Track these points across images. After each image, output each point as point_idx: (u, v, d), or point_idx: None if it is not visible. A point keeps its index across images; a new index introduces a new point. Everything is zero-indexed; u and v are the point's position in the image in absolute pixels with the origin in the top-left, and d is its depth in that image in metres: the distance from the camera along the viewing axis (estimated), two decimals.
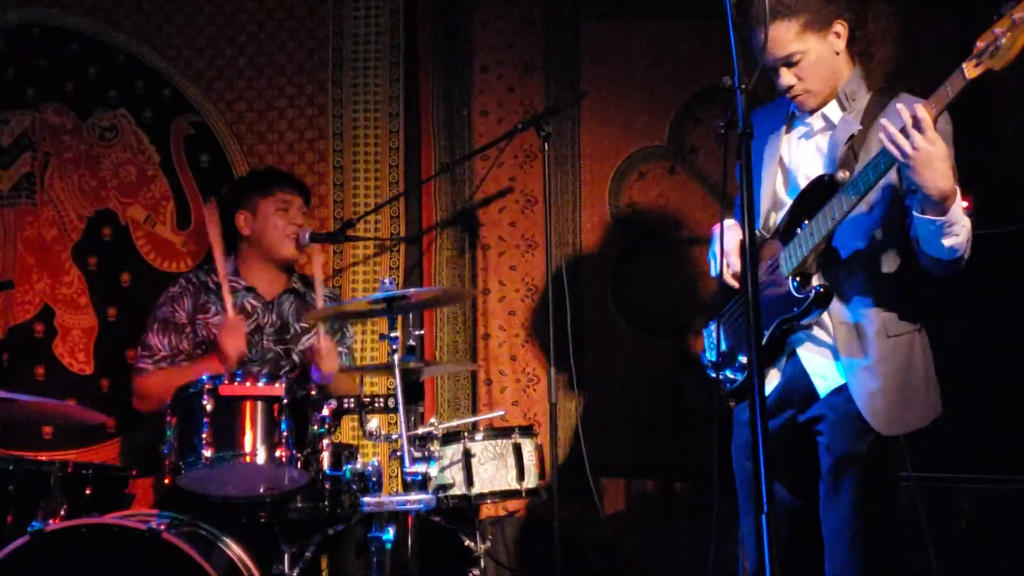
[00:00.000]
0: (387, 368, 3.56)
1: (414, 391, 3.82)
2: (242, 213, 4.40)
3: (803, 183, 3.21)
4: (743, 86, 2.66)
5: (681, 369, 4.83)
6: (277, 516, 3.73)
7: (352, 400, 3.77)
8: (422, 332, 4.15)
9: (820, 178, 3.15)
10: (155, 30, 5.04)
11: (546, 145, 4.52)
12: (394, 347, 3.50)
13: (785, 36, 3.13)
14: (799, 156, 3.28)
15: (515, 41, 5.04)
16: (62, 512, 3.69)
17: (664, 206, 4.94)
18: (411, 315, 3.87)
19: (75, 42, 5.02)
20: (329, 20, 5.06)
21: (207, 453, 3.51)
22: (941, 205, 2.91)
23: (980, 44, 2.81)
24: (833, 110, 3.22)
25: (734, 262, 3.23)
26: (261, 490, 3.67)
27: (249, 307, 4.36)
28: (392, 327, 3.52)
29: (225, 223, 4.40)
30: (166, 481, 3.64)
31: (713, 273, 3.38)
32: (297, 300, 4.42)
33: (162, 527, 3.47)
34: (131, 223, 4.99)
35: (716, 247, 3.32)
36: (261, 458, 3.53)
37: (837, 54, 3.19)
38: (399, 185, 4.99)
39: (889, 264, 3.15)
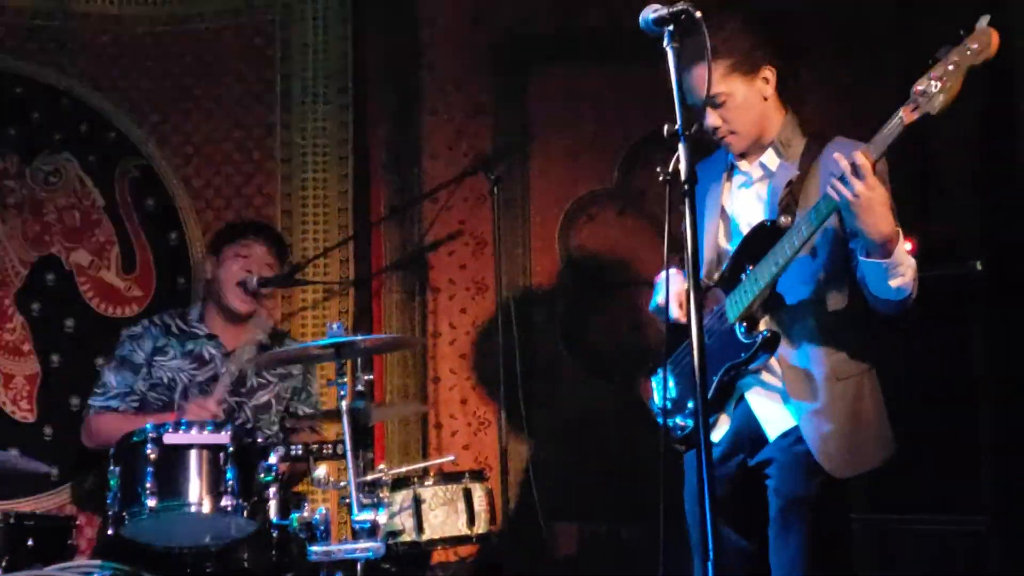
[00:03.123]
0: (336, 414, 3.54)
1: (363, 436, 3.80)
2: (209, 258, 4.43)
3: (745, 231, 3.23)
4: (686, 133, 2.67)
5: (632, 412, 4.82)
6: (223, 566, 3.68)
7: (300, 447, 3.74)
8: (371, 377, 4.13)
9: (763, 224, 3.17)
10: (100, 73, 4.99)
11: (495, 188, 4.53)
12: (342, 392, 3.48)
13: (711, 77, 3.15)
14: (739, 205, 3.31)
15: (463, 84, 5.05)
16: (4, 563, 3.63)
17: (613, 249, 4.95)
18: (360, 359, 3.85)
19: (18, 86, 4.95)
20: (277, 62, 5.05)
21: (151, 503, 3.48)
22: (884, 247, 2.94)
23: (917, 89, 2.85)
24: (771, 158, 3.25)
25: (676, 309, 3.24)
26: (207, 540, 3.63)
27: (207, 355, 4.33)
28: (340, 372, 3.51)
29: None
30: (109, 531, 3.60)
31: (659, 316, 3.36)
32: (259, 352, 4.36)
33: None
34: (75, 268, 4.92)
35: (660, 297, 3.31)
36: (207, 507, 3.51)
37: (765, 99, 3.22)
38: (348, 228, 4.98)
39: (835, 307, 3.17)
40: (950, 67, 2.81)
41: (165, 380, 4.27)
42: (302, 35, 5.05)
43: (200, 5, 5.07)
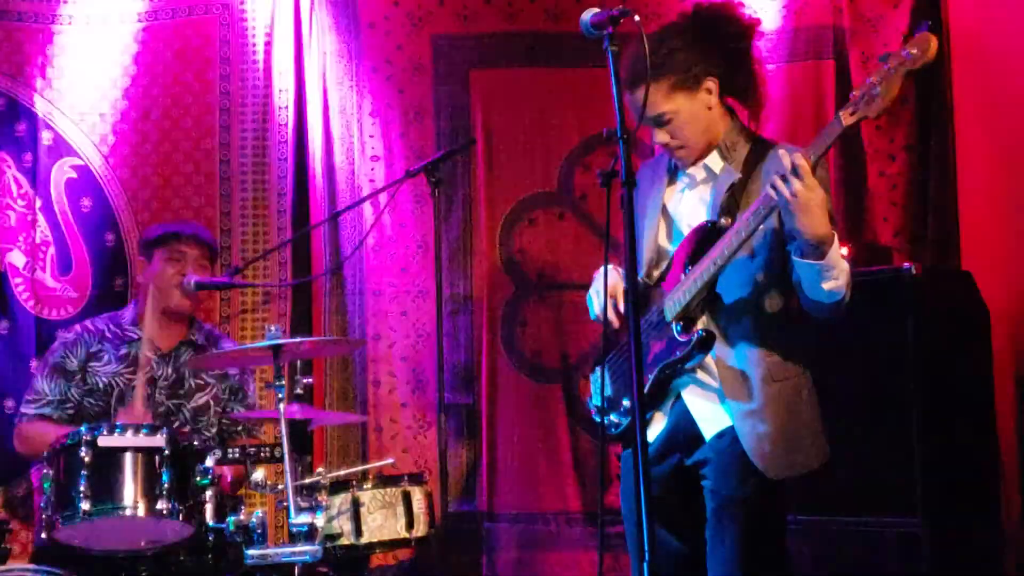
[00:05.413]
0: (273, 418, 3.52)
1: (302, 440, 3.78)
2: (140, 261, 4.38)
3: (686, 232, 3.25)
4: (625, 136, 2.68)
5: (571, 414, 4.85)
6: (159, 570, 3.65)
7: (237, 450, 3.71)
8: (311, 380, 4.11)
9: (703, 224, 3.19)
10: (36, 73, 4.94)
11: (436, 190, 4.52)
12: (280, 396, 3.46)
13: (654, 97, 3.11)
14: (682, 206, 3.33)
15: (405, 87, 5.05)
16: None
17: (554, 252, 4.97)
18: (299, 362, 3.83)
19: None
20: (215, 62, 5.01)
21: (85, 506, 3.43)
22: (819, 249, 2.97)
23: (856, 93, 2.89)
24: (715, 160, 3.27)
25: (617, 302, 3.26)
26: (142, 544, 3.59)
27: (143, 358, 4.27)
28: (279, 375, 3.49)
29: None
30: (43, 535, 3.55)
31: (592, 315, 3.38)
32: (195, 353, 4.32)
33: None
34: (10, 269, 4.86)
35: (597, 286, 3.33)
36: (142, 511, 3.47)
37: (710, 109, 3.23)
38: (287, 231, 4.95)
39: (772, 309, 3.19)
40: (889, 71, 2.84)
41: (101, 386, 4.21)
42: (242, 35, 5.02)
43: (139, 4, 5.02)
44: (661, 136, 3.23)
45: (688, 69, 3.18)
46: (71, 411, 4.20)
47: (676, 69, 3.17)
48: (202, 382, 4.33)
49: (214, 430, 4.31)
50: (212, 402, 4.34)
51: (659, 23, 3.38)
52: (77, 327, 4.33)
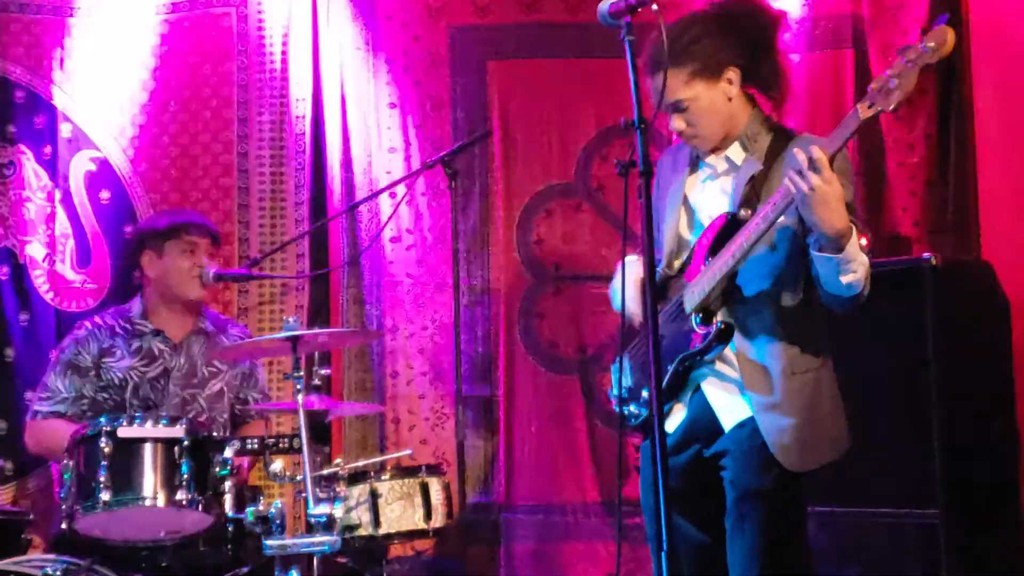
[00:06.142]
0: (291, 409, 3.53)
1: (320, 431, 3.79)
2: (147, 253, 4.34)
3: (706, 223, 3.24)
4: (642, 126, 2.67)
5: (588, 405, 4.85)
6: (179, 560, 3.67)
7: (256, 441, 3.72)
8: (328, 371, 4.12)
9: (723, 216, 3.18)
10: (54, 66, 4.96)
11: (453, 182, 4.53)
12: (298, 387, 3.47)
13: (673, 83, 3.11)
14: (703, 197, 3.31)
15: (422, 78, 5.05)
16: None
17: (571, 243, 4.97)
18: (317, 354, 3.84)
19: None
20: (233, 54, 5.02)
21: (105, 496, 3.45)
22: (837, 243, 2.96)
23: (873, 86, 2.88)
24: (736, 152, 3.26)
25: (637, 295, 3.26)
26: (162, 534, 3.61)
27: (156, 351, 4.29)
28: (296, 366, 3.50)
29: (131, 263, 4.32)
30: (63, 525, 3.57)
31: (615, 306, 3.37)
32: (206, 342, 4.35)
33: (58, 573, 3.40)
34: (30, 261, 4.88)
35: (617, 281, 3.33)
36: (161, 501, 3.49)
37: (730, 100, 3.22)
38: (305, 222, 4.96)
39: (792, 301, 3.18)
40: (906, 65, 2.83)
41: (116, 381, 4.22)
42: (259, 27, 5.02)
43: None
44: (677, 123, 3.22)
45: (710, 58, 3.17)
46: (85, 408, 4.21)
47: (698, 57, 3.16)
48: (214, 369, 4.35)
49: (226, 415, 4.33)
50: (226, 388, 4.36)
51: (677, 13, 3.36)
52: (87, 323, 4.32)
